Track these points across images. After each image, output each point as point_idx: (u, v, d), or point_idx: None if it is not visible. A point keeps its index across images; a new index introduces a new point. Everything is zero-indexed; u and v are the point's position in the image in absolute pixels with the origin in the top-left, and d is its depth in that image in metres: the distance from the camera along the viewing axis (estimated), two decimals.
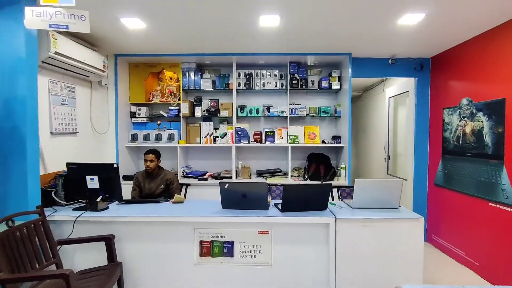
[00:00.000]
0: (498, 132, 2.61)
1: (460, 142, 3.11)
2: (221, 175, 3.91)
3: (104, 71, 3.26)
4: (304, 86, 3.82)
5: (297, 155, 4.10)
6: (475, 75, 2.95)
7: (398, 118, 4.53)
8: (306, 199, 2.31)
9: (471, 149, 2.95)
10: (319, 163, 3.75)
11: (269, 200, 2.50)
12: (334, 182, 3.64)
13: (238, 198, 2.31)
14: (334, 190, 3.08)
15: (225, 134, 3.89)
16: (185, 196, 3.16)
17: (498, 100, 2.61)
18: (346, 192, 3.10)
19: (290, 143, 3.78)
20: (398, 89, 4.23)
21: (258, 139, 3.90)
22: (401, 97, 4.27)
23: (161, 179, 3.04)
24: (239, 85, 3.86)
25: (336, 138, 3.90)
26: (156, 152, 3.01)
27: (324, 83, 3.82)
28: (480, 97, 2.85)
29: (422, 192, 3.77)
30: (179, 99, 3.87)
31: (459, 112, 3.14)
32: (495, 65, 2.70)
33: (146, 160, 2.98)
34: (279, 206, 2.36)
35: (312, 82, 3.87)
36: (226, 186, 2.30)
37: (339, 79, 3.86)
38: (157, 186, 3.01)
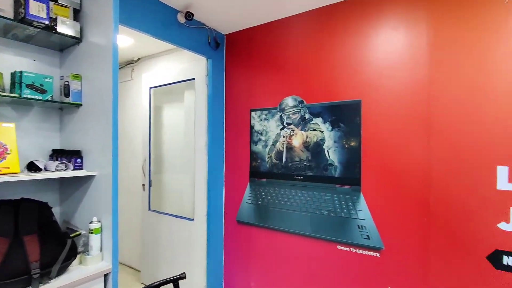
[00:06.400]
0: (350, 147, 1.88)
1: (284, 160, 2.16)
2: None
3: None
4: None
5: None
6: (309, 64, 2.12)
7: (164, 121, 2.95)
8: None
9: (304, 169, 2.07)
10: (28, 230, 1.28)
11: None
12: (72, 278, 1.35)
13: None
14: None
15: None
16: None
17: (350, 103, 1.90)
18: None
19: None
20: (167, 76, 2.66)
21: None
22: (174, 90, 2.75)
23: None
24: None
25: (68, 155, 1.60)
26: None
27: (36, 10, 1.41)
28: (320, 96, 2.03)
29: (218, 235, 2.46)
30: None
31: (281, 116, 2.19)
32: (326, 50, 1.98)
33: None
34: None
35: None
36: None
37: (77, 15, 1.63)
38: None
